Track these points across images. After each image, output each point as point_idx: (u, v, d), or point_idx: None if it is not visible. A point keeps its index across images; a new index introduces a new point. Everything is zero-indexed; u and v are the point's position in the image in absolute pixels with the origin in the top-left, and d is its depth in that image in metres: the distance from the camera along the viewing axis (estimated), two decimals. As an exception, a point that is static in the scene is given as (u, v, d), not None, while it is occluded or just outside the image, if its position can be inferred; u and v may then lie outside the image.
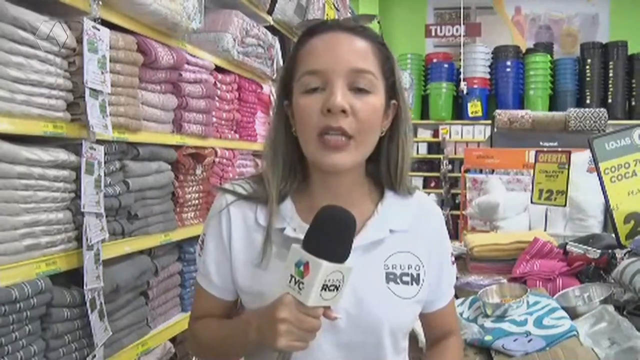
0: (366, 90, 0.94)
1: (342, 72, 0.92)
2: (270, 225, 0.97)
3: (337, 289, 0.84)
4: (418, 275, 1.01)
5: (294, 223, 0.97)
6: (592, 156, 2.08)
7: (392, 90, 1.00)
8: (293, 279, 0.83)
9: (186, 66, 2.08)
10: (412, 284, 1.00)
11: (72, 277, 1.54)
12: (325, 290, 0.82)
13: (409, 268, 1.00)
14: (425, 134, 8.98)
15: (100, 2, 1.52)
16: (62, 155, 1.46)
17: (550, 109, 7.85)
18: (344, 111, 0.91)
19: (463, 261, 2.58)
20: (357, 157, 0.95)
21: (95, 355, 1.53)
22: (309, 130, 0.93)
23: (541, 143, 5.06)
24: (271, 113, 2.89)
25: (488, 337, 1.61)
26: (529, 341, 1.54)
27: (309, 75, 0.93)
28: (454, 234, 6.62)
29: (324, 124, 0.91)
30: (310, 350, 0.89)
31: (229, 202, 1.01)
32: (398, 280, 0.99)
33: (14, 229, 1.34)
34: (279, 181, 0.99)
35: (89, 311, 1.51)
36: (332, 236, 0.84)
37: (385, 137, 1.01)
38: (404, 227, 1.02)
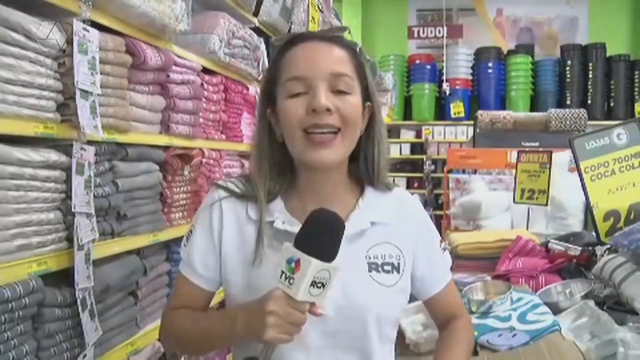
0: (345, 92, 1.02)
1: (324, 76, 1.00)
2: (262, 221, 1.03)
3: (324, 287, 0.89)
4: (398, 264, 1.08)
5: (282, 217, 1.04)
6: (573, 155, 2.13)
7: (367, 93, 1.08)
8: (284, 275, 0.88)
9: (174, 67, 2.08)
10: (392, 273, 1.07)
11: (63, 277, 1.54)
12: (313, 286, 0.88)
13: (389, 257, 1.08)
14: (408, 135, 9.04)
15: (90, 4, 1.52)
16: (53, 155, 1.47)
17: (531, 109, 7.97)
18: (328, 110, 0.98)
19: (447, 259, 2.63)
20: (341, 153, 1.03)
21: (86, 355, 1.54)
22: (294, 128, 1.00)
23: (523, 143, 5.11)
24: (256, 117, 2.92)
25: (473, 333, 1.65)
26: (513, 336, 1.58)
27: (293, 81, 1.01)
28: (438, 234, 6.67)
29: (310, 122, 0.99)
30: (298, 339, 0.94)
31: (222, 197, 1.07)
32: (379, 269, 1.06)
33: (6, 229, 1.34)
34: (266, 183, 1.05)
35: (80, 311, 1.51)
36: (323, 237, 0.90)
37: (362, 137, 1.09)
38: (384, 220, 1.09)
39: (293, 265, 0.88)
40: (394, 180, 8.85)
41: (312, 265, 0.87)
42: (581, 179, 2.10)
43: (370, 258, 1.06)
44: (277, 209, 1.05)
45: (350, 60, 1.05)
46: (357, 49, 1.08)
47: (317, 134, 0.99)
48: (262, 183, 1.05)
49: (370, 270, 1.05)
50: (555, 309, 1.74)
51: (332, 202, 1.02)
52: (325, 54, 1.03)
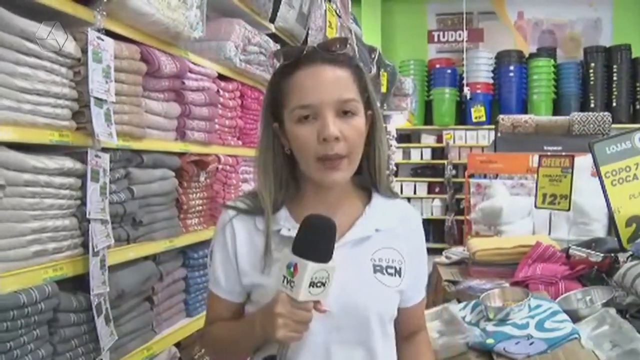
0: (351, 114, 1.07)
1: (331, 104, 1.05)
2: (268, 231, 1.09)
3: (324, 285, 0.97)
4: (400, 268, 1.14)
5: (288, 224, 1.10)
6: (593, 160, 2.09)
7: (367, 103, 1.13)
8: (285, 279, 0.97)
9: (189, 74, 2.10)
10: (395, 276, 1.14)
11: (78, 283, 1.56)
12: (313, 286, 0.95)
13: (392, 262, 1.14)
14: (429, 140, 8.99)
15: (104, 13, 1.55)
16: (68, 163, 1.49)
17: (554, 113, 7.86)
18: (337, 138, 1.04)
19: (465, 265, 2.59)
20: (350, 172, 1.10)
21: (101, 359, 1.55)
22: (307, 156, 1.07)
23: (545, 147, 5.05)
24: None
25: (490, 340, 1.62)
26: (530, 344, 1.55)
27: (301, 109, 1.06)
28: (459, 239, 6.61)
29: (322, 153, 1.05)
30: (306, 334, 1.02)
31: (232, 217, 1.15)
32: (384, 271, 1.12)
33: (22, 236, 1.36)
34: (271, 195, 1.11)
35: (95, 316, 1.53)
36: (315, 241, 0.97)
37: (365, 144, 1.13)
38: (388, 227, 1.15)
39: (292, 269, 0.96)
40: (415, 185, 8.77)
41: (309, 268, 0.94)
42: (602, 184, 2.06)
43: (375, 260, 1.12)
44: (283, 218, 1.11)
45: (354, 79, 1.09)
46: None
47: (328, 160, 1.05)
48: (268, 195, 1.11)
49: (375, 272, 1.12)
50: (575, 317, 1.70)
51: (338, 210, 1.10)
52: (331, 79, 1.07)
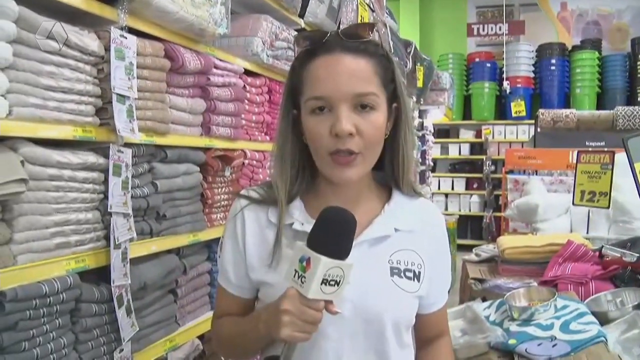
0: (370, 108, 1.00)
1: (346, 98, 0.98)
2: (281, 223, 1.04)
3: (338, 285, 0.89)
4: (420, 272, 1.08)
5: (302, 218, 1.04)
6: (627, 156, 2.01)
7: (394, 95, 1.06)
8: (297, 274, 0.90)
9: (214, 70, 2.12)
10: (414, 280, 1.06)
11: (103, 275, 1.60)
12: (325, 284, 0.88)
13: (412, 265, 1.07)
14: (467, 135, 8.84)
15: (127, 11, 1.58)
16: (91, 158, 1.53)
17: (598, 107, 7.60)
18: (350, 134, 0.98)
19: (495, 263, 2.54)
20: (364, 170, 1.03)
21: (122, 349, 1.59)
22: (320, 150, 1.01)
23: (587, 143, 4.89)
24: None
25: (512, 341, 1.58)
26: (553, 346, 1.51)
27: (315, 100, 1.01)
28: (497, 236, 6.48)
29: (334, 147, 0.99)
30: (315, 340, 0.96)
31: (243, 206, 1.09)
32: (402, 275, 1.05)
33: (45, 228, 1.41)
34: (287, 185, 1.06)
35: (116, 307, 1.57)
36: (332, 235, 0.90)
37: (388, 140, 1.07)
38: (408, 227, 1.09)
39: (304, 264, 0.89)
40: (452, 181, 8.63)
41: (322, 263, 0.87)
42: (636, 182, 1.98)
43: (392, 263, 1.05)
44: (297, 211, 1.06)
45: (376, 71, 1.02)
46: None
47: (340, 154, 1.00)
48: (283, 186, 1.05)
49: (392, 275, 1.05)
50: (604, 319, 1.64)
51: (356, 206, 1.02)
52: (349, 71, 0.99)
